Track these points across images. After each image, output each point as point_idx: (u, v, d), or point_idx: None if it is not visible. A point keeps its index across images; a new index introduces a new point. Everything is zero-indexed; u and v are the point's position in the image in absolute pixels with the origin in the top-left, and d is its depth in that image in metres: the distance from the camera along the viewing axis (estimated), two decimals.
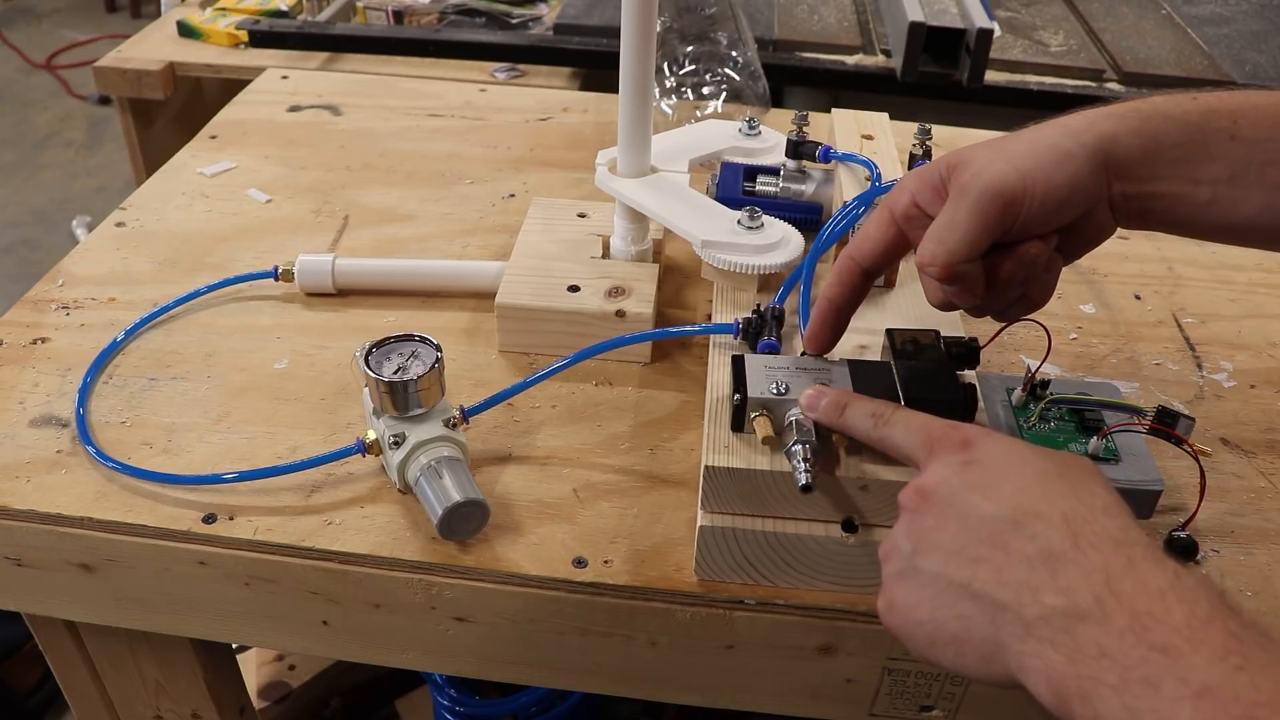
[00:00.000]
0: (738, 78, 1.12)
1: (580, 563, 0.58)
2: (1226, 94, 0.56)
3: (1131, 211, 0.54)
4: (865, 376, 0.56)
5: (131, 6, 3.75)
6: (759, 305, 0.63)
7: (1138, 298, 0.83)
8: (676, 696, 0.63)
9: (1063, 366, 0.75)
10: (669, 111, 1.08)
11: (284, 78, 1.14)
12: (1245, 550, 0.61)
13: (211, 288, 0.78)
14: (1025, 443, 0.46)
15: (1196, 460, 0.58)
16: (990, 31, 1.34)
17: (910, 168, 0.73)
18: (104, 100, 3.10)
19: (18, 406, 0.67)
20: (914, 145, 0.75)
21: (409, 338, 0.62)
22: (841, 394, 0.53)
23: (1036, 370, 0.61)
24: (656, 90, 0.99)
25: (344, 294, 0.79)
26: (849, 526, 0.55)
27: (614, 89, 0.71)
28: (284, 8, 1.65)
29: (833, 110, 0.82)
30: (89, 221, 2.52)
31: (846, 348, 0.65)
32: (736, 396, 0.55)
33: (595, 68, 1.48)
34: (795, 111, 0.79)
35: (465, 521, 0.58)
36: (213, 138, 1.01)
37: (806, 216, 0.75)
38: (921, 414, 0.50)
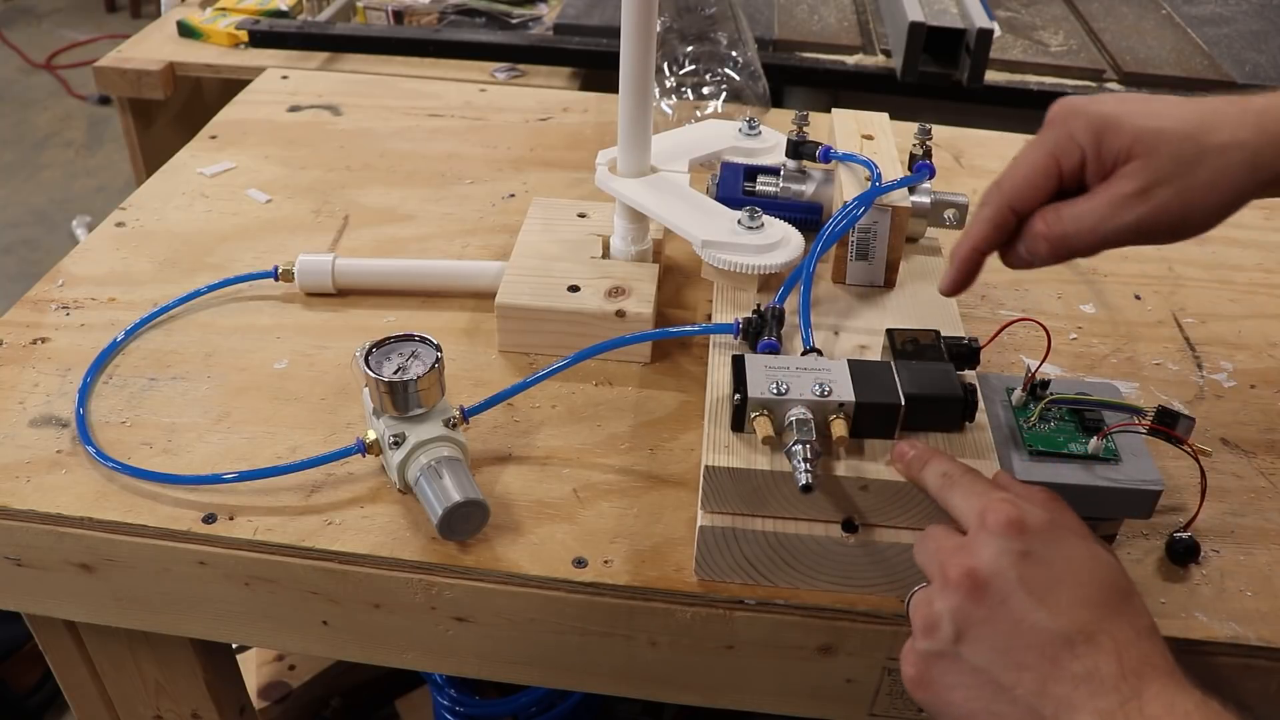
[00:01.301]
0: (738, 78, 1.12)
1: (580, 563, 0.58)
2: None
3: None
4: (865, 376, 0.56)
5: (131, 6, 3.75)
6: (759, 305, 0.63)
7: (1138, 298, 0.83)
8: (676, 696, 0.63)
9: (1063, 366, 0.75)
10: (669, 111, 1.08)
11: (284, 78, 1.14)
12: (1245, 550, 0.61)
13: (211, 288, 0.78)
14: (1077, 535, 0.46)
15: (1196, 460, 0.58)
16: (990, 31, 1.34)
17: (910, 168, 0.73)
18: (104, 100, 3.10)
19: (18, 406, 0.67)
20: (914, 145, 0.74)
21: (409, 338, 0.62)
22: (927, 451, 0.53)
23: (1036, 370, 0.61)
24: (656, 90, 0.98)
25: (344, 294, 0.79)
26: (849, 526, 0.55)
27: (614, 89, 0.71)
28: (284, 8, 1.65)
29: (833, 110, 0.82)
30: (89, 221, 2.52)
31: (847, 347, 0.65)
32: (737, 396, 0.55)
33: (595, 68, 1.48)
34: (795, 111, 0.79)
35: (465, 521, 0.58)
36: (213, 138, 1.01)
37: (806, 216, 0.75)
38: (984, 483, 0.50)
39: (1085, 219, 0.51)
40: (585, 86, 1.47)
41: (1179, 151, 0.50)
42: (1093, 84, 1.45)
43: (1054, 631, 0.43)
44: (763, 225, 0.69)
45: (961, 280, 0.57)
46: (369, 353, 0.61)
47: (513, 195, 0.93)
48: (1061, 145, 0.52)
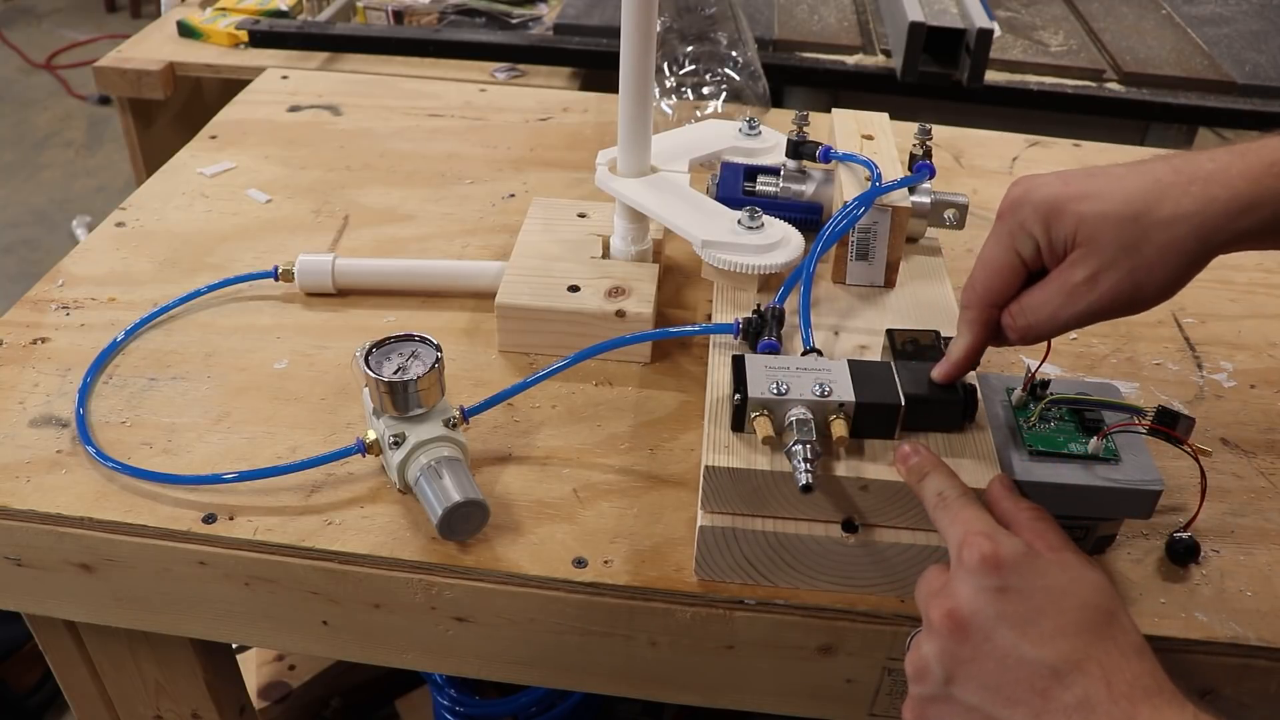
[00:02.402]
0: (738, 78, 1.12)
1: (580, 563, 0.58)
2: None
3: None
4: (865, 376, 0.56)
5: (131, 6, 3.75)
6: (759, 305, 0.63)
7: None
8: (676, 696, 0.63)
9: (1063, 366, 0.75)
10: (669, 111, 1.08)
11: (284, 78, 1.14)
12: (1245, 550, 0.61)
13: (211, 288, 0.78)
14: (1054, 560, 0.46)
15: (1196, 460, 0.58)
16: (990, 31, 1.34)
17: (910, 168, 0.73)
18: (104, 100, 3.10)
19: (18, 406, 0.67)
20: (914, 145, 0.74)
21: (409, 338, 0.62)
22: (929, 460, 0.53)
23: (1036, 370, 0.61)
24: (656, 90, 0.99)
25: (344, 294, 0.79)
26: (849, 526, 0.55)
27: (614, 89, 0.71)
28: (284, 8, 1.65)
29: (833, 110, 0.82)
30: (89, 221, 2.52)
31: (847, 347, 0.65)
32: (737, 396, 0.55)
33: (595, 68, 1.48)
34: (795, 111, 0.79)
35: (465, 521, 0.58)
36: (213, 138, 1.01)
37: (806, 216, 0.75)
38: (970, 510, 0.50)
39: (1043, 309, 0.53)
40: (585, 86, 1.47)
41: (1121, 235, 0.51)
42: (1093, 84, 1.45)
43: (1041, 664, 0.43)
44: (763, 225, 0.69)
45: (958, 376, 0.57)
46: (369, 353, 0.61)
47: (513, 195, 0.93)
48: (1016, 236, 0.54)
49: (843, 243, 0.69)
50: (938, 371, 0.57)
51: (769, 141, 0.81)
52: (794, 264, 0.68)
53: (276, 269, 0.77)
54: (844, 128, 0.79)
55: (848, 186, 0.71)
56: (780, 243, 0.69)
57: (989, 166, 1.03)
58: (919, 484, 0.53)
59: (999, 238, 0.55)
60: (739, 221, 0.69)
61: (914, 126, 0.75)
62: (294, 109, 1.07)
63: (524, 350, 0.74)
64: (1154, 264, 0.51)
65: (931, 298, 0.70)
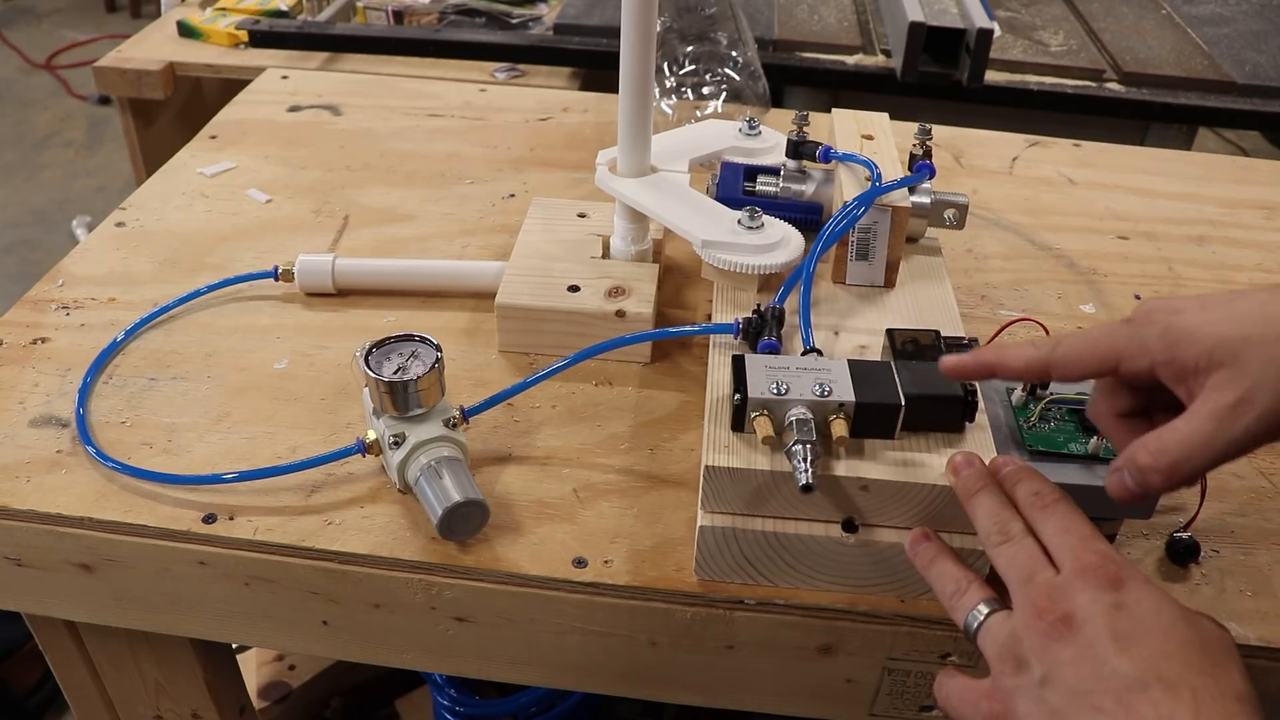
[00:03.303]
0: (738, 78, 1.12)
1: (580, 563, 0.58)
2: None
3: None
4: (865, 376, 0.56)
5: (131, 6, 3.75)
6: (759, 305, 0.63)
7: (1138, 297, 0.83)
8: (676, 696, 0.63)
9: None
10: (669, 111, 1.08)
11: (284, 78, 1.14)
12: (1245, 550, 0.61)
13: (211, 288, 0.78)
14: (1174, 601, 0.46)
15: None
16: (990, 31, 1.34)
17: (910, 168, 0.73)
18: (104, 100, 3.10)
19: (18, 406, 0.67)
20: (914, 145, 0.74)
21: (409, 338, 0.62)
22: (982, 476, 0.52)
23: None
24: (656, 90, 0.98)
25: (344, 294, 0.79)
26: (849, 526, 0.55)
27: (614, 89, 0.71)
28: (284, 8, 1.65)
29: (833, 110, 0.82)
30: (89, 221, 2.52)
31: (847, 347, 0.65)
32: (737, 396, 0.55)
33: (595, 68, 1.48)
34: (795, 111, 0.79)
35: (465, 521, 0.58)
36: (213, 138, 1.01)
37: (806, 216, 0.75)
38: (1079, 518, 0.49)
39: (1194, 440, 0.48)
40: (585, 86, 1.47)
41: (1266, 353, 0.47)
42: (1093, 84, 1.45)
43: (1132, 678, 0.43)
44: (763, 225, 0.69)
45: (963, 372, 0.55)
46: (369, 353, 0.61)
47: (513, 195, 0.93)
48: (1130, 348, 0.50)
49: (843, 243, 0.69)
50: (945, 361, 0.55)
51: (769, 141, 0.81)
52: (794, 264, 0.68)
53: (276, 269, 0.77)
54: (844, 128, 0.79)
55: (848, 186, 0.71)
56: (780, 243, 0.69)
57: (989, 166, 1.03)
58: (969, 501, 0.52)
59: (1114, 333, 0.51)
60: (739, 221, 0.69)
61: (914, 126, 0.75)
62: (294, 109, 1.07)
63: (524, 350, 0.74)
64: None
65: (931, 298, 0.70)
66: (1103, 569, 0.46)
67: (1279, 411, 0.46)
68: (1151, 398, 0.53)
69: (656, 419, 0.68)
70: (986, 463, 0.53)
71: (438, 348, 0.61)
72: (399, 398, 0.59)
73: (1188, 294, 0.51)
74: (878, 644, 0.58)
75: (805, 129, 0.76)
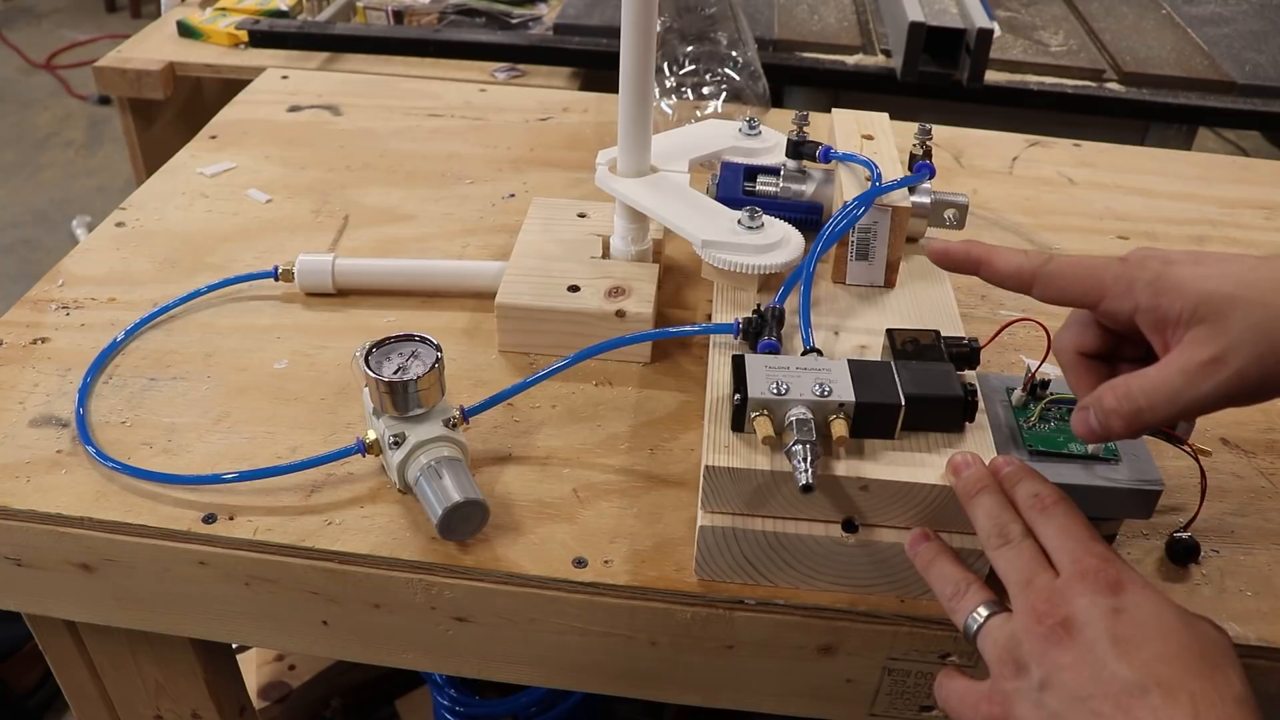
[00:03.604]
0: (738, 78, 1.12)
1: (580, 563, 0.58)
2: None
3: None
4: (865, 376, 0.56)
5: (131, 6, 3.75)
6: (759, 305, 0.63)
7: None
8: (676, 696, 0.63)
9: None
10: (669, 111, 1.08)
11: (284, 78, 1.14)
12: (1245, 550, 0.61)
13: (211, 288, 0.78)
14: (1173, 604, 0.46)
15: (1196, 460, 0.58)
16: (990, 31, 1.34)
17: (910, 168, 0.73)
18: (104, 100, 3.10)
19: (18, 406, 0.67)
20: (914, 145, 0.74)
21: (409, 338, 0.62)
22: (983, 477, 0.52)
23: (1036, 370, 0.61)
24: (656, 90, 0.98)
25: (344, 294, 0.79)
26: (849, 526, 0.55)
27: (614, 89, 0.71)
28: (284, 8, 1.65)
29: (833, 110, 0.82)
30: (89, 221, 2.52)
31: (847, 347, 0.65)
32: (737, 396, 0.55)
33: (595, 68, 1.48)
34: (795, 111, 0.79)
35: (465, 521, 0.58)
36: (213, 138, 1.01)
37: (806, 216, 0.75)
38: (1079, 521, 0.49)
39: (1160, 390, 0.48)
40: (585, 86, 1.47)
41: (1250, 316, 0.47)
42: (1093, 84, 1.45)
43: (1131, 682, 0.43)
44: (763, 225, 0.69)
45: (950, 259, 0.55)
46: (369, 353, 0.61)
47: (513, 195, 0.93)
48: (1118, 288, 0.51)
49: (843, 243, 0.69)
50: (936, 245, 0.54)
51: (769, 141, 0.81)
52: (794, 264, 0.68)
53: (276, 269, 0.77)
54: (844, 128, 0.79)
55: (848, 186, 0.71)
56: (780, 243, 0.69)
57: (989, 166, 1.03)
58: (970, 500, 0.52)
59: (1106, 265, 0.51)
60: (739, 221, 0.69)
61: (914, 126, 0.75)
62: (294, 109, 1.07)
63: (524, 350, 0.74)
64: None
65: (931, 298, 0.70)
66: (1102, 573, 0.46)
67: (1250, 374, 0.47)
68: (1119, 343, 0.53)
69: (656, 419, 0.68)
70: (986, 463, 0.53)
71: (438, 348, 0.61)
72: (399, 398, 0.59)
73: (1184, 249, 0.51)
74: (878, 644, 0.58)
75: (805, 129, 0.76)
